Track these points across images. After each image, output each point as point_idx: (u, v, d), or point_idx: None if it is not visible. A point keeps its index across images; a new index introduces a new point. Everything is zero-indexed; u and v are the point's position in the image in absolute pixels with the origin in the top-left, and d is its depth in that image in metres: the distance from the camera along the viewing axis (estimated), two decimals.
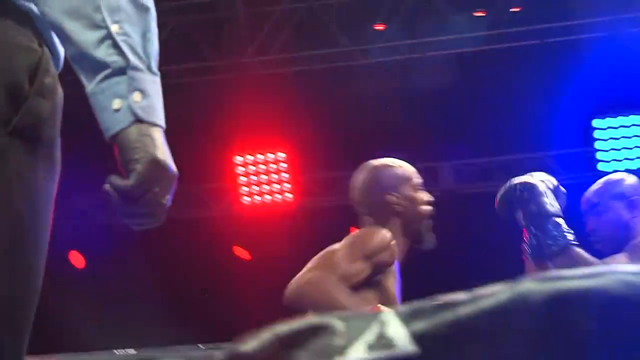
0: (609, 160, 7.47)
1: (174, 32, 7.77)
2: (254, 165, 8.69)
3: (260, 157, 8.65)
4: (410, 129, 7.87)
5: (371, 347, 0.75)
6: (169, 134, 1.42)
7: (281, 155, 8.57)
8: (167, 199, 1.38)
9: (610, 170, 7.01)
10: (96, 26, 1.34)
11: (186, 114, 6.67)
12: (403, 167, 3.25)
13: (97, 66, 1.34)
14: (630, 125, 7.36)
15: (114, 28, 1.34)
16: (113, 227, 7.30)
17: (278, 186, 8.65)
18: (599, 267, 0.75)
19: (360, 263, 2.98)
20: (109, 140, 1.34)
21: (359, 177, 3.26)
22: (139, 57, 1.36)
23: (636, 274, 0.72)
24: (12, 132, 1.29)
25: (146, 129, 1.34)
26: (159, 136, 1.35)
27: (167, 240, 7.31)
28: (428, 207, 3.22)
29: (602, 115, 7.44)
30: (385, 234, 3.04)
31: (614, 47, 7.20)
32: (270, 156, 8.64)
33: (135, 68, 1.35)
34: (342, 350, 0.75)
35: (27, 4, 1.37)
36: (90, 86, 1.35)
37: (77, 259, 9.15)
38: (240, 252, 9.23)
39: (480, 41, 7.59)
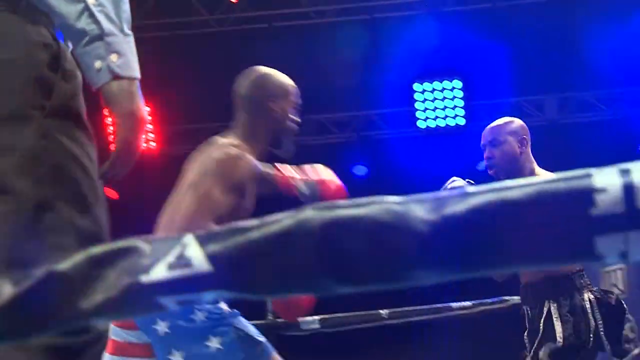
0: (425, 118, 7.86)
1: None
2: None
3: None
4: None
5: (171, 266, 0.77)
6: None
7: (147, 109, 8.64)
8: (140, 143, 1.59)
9: (427, 127, 8.06)
10: (76, 0, 1.47)
11: None
12: (289, 83, 3.26)
13: (79, 34, 1.48)
14: (442, 89, 7.76)
15: (90, 0, 1.47)
16: None
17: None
18: (369, 198, 0.78)
19: (230, 195, 2.95)
20: (95, 91, 1.52)
21: (251, 76, 3.24)
22: (113, 23, 1.51)
23: (399, 203, 0.76)
24: (48, 115, 1.44)
25: (124, 83, 1.51)
26: (134, 88, 1.53)
27: None
28: (296, 126, 3.23)
29: (421, 80, 7.75)
30: (250, 162, 3.02)
31: (433, 24, 7.53)
32: None
33: (110, 34, 1.50)
34: (147, 269, 0.77)
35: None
36: (76, 49, 1.51)
37: None
38: (109, 192, 9.21)
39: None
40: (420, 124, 7.99)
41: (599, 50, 7.10)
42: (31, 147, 1.42)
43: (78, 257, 0.79)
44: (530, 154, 3.83)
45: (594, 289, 3.73)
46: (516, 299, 4.44)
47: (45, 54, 1.47)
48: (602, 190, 0.74)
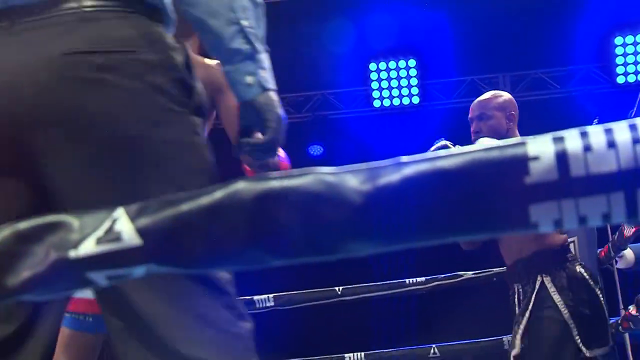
0: (380, 97, 7.94)
1: None
2: None
3: None
4: None
5: (100, 241, 0.75)
6: None
7: None
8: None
9: (383, 105, 8.05)
10: (232, 23, 1.60)
11: None
12: None
13: (233, 53, 1.63)
14: (397, 68, 7.83)
15: (244, 23, 1.61)
16: None
17: None
18: (305, 169, 0.76)
19: None
20: (240, 105, 1.69)
21: None
22: (260, 42, 1.66)
23: (333, 174, 0.75)
24: (192, 112, 1.53)
25: (271, 94, 1.68)
26: (276, 97, 1.70)
27: None
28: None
29: (377, 59, 7.79)
30: None
31: (388, 3, 7.54)
32: None
33: (259, 52, 1.65)
34: (75, 244, 0.75)
35: (168, 7, 1.59)
36: (226, 67, 1.66)
37: None
38: None
39: None
40: (376, 103, 7.98)
41: (552, 29, 7.15)
42: (189, 142, 1.52)
43: (3, 233, 0.77)
44: (516, 130, 3.79)
45: (582, 262, 3.73)
46: (470, 273, 4.46)
47: (180, 56, 1.53)
48: (536, 158, 0.73)
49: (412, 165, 0.74)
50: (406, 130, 7.58)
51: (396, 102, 8.00)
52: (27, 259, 0.76)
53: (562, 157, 0.72)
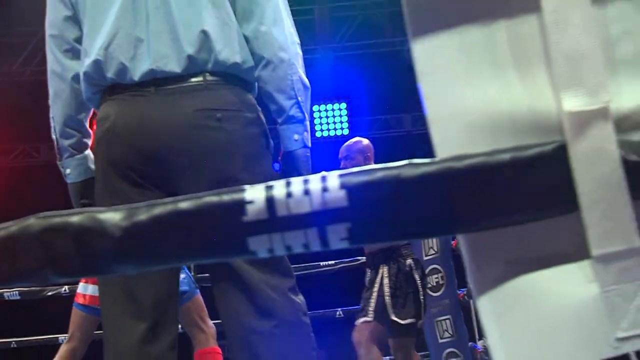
0: (320, 130, 8.41)
1: None
2: None
3: None
4: None
5: None
6: None
7: None
8: None
9: (322, 135, 8.28)
10: (291, 98, 1.70)
11: None
12: None
13: (289, 118, 1.71)
14: (333, 109, 8.26)
15: (300, 98, 1.72)
16: None
17: None
18: (80, 209, 0.72)
19: None
20: (284, 153, 1.76)
21: None
22: (307, 113, 1.76)
23: (101, 212, 0.70)
24: (270, 152, 1.77)
25: (306, 150, 1.76)
26: (309, 153, 1.77)
27: None
28: None
29: (317, 103, 7.96)
30: None
31: (326, 60, 7.67)
32: None
33: (306, 119, 1.75)
34: None
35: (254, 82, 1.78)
36: (282, 126, 1.73)
37: None
38: None
39: None
40: (317, 134, 8.18)
41: None
42: (273, 173, 1.78)
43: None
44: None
45: (415, 256, 3.83)
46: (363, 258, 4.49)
47: (262, 115, 1.74)
48: (252, 202, 0.69)
49: (160, 206, 0.70)
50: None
51: (332, 132, 8.31)
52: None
53: (270, 201, 0.68)
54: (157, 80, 1.61)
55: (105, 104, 1.66)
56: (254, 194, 0.69)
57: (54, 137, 1.80)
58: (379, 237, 0.80)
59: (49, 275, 0.73)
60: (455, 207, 0.66)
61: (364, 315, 3.71)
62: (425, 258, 4.38)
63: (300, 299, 1.69)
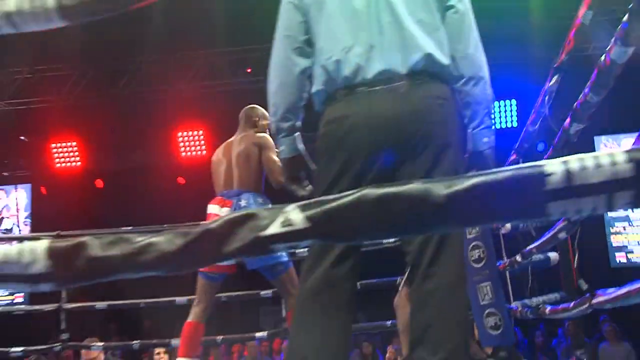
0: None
1: None
2: None
3: None
4: None
5: (282, 224, 0.82)
6: None
7: None
8: None
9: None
10: (485, 108, 1.98)
11: None
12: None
13: (481, 123, 1.97)
14: None
15: (490, 109, 2.01)
16: None
17: None
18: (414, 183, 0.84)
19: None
20: (473, 152, 1.98)
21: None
22: (493, 120, 2.04)
23: (423, 181, 0.81)
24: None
25: (492, 150, 1.98)
26: (493, 152, 2.00)
27: None
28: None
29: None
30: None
31: None
32: None
33: (493, 125, 2.01)
34: (265, 227, 0.82)
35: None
36: (475, 129, 1.97)
37: None
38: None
39: None
40: None
41: None
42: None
43: (223, 220, 0.84)
44: None
45: None
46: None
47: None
48: (551, 174, 0.81)
49: (477, 177, 0.82)
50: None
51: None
52: (235, 236, 0.83)
53: (568, 173, 0.81)
54: (385, 80, 1.86)
55: (340, 101, 1.90)
56: (552, 167, 0.82)
57: (272, 119, 2.02)
58: None
59: (383, 235, 0.87)
60: None
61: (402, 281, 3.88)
62: (468, 237, 4.57)
63: None
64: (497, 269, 4.64)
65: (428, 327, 1.80)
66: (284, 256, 3.36)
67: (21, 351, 5.32)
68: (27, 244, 0.89)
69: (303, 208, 0.84)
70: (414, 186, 0.83)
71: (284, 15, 2.01)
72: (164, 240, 0.85)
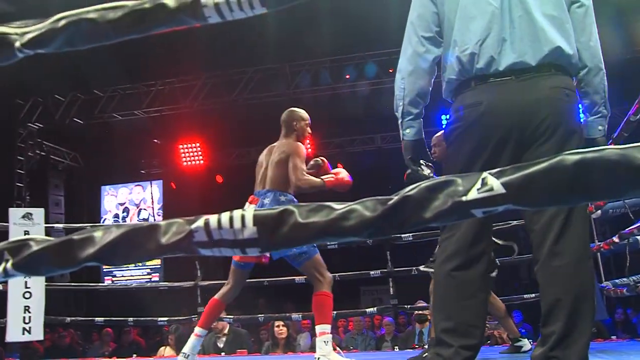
0: None
1: None
2: None
3: None
4: None
5: (479, 190, 0.76)
6: None
7: None
8: None
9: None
10: (602, 98, 1.95)
11: None
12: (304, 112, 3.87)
13: (597, 112, 1.95)
14: None
15: (605, 98, 1.97)
16: None
17: None
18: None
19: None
20: (587, 139, 1.92)
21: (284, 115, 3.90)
22: (608, 110, 1.98)
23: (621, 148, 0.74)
24: None
25: (604, 138, 1.97)
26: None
27: None
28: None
29: None
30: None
31: None
32: None
33: (608, 115, 1.98)
34: (464, 193, 0.77)
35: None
36: (590, 117, 1.95)
37: None
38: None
39: None
40: None
41: None
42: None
43: (420, 186, 0.79)
44: None
45: None
46: None
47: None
48: None
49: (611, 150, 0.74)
50: None
51: None
52: (433, 202, 0.78)
53: None
54: (516, 71, 1.81)
55: (473, 90, 1.86)
56: None
57: (400, 103, 1.96)
58: None
59: (578, 200, 0.79)
60: None
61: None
62: None
63: None
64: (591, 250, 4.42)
65: (557, 301, 1.72)
66: (304, 247, 3.33)
67: (166, 321, 5.52)
68: (236, 212, 0.87)
69: (498, 174, 0.77)
70: (611, 151, 0.75)
71: (418, 5, 1.96)
72: (364, 206, 0.80)
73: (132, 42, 1.07)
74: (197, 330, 3.50)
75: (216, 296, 3.60)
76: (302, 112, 3.74)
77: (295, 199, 3.50)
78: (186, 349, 3.46)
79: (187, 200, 10.16)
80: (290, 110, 3.79)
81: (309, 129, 3.74)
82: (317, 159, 3.72)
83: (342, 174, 3.58)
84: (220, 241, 0.85)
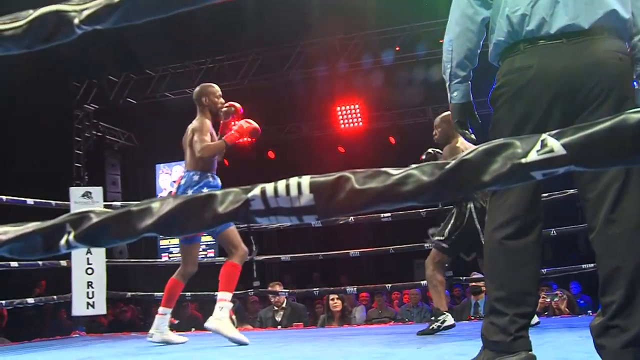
0: None
1: None
2: None
3: None
4: None
5: (539, 152, 0.75)
6: None
7: None
8: None
9: None
10: None
11: None
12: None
13: None
14: None
15: None
16: None
17: None
18: None
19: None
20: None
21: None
22: None
23: None
24: None
25: None
26: None
27: None
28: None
29: None
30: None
31: None
32: None
33: None
34: (523, 155, 0.76)
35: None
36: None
37: None
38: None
39: None
40: None
41: None
42: None
43: (477, 150, 0.78)
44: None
45: (480, 203, 3.91)
46: None
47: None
48: None
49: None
50: None
51: None
52: (492, 165, 0.77)
53: None
54: (567, 34, 1.75)
55: (521, 52, 1.81)
56: None
57: (447, 65, 1.94)
58: None
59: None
60: None
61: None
62: None
63: None
64: None
65: (616, 270, 1.68)
66: None
67: None
68: (292, 180, 0.88)
69: (558, 136, 0.76)
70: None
71: None
72: (422, 171, 0.80)
73: (181, 21, 1.09)
74: (161, 309, 3.71)
75: (174, 275, 3.76)
76: (210, 86, 3.85)
77: (211, 176, 3.65)
78: (152, 329, 3.69)
79: (238, 177, 10.28)
80: (199, 87, 3.90)
81: (221, 99, 3.82)
82: (229, 105, 3.78)
83: (242, 123, 3.69)
84: (277, 209, 0.87)
